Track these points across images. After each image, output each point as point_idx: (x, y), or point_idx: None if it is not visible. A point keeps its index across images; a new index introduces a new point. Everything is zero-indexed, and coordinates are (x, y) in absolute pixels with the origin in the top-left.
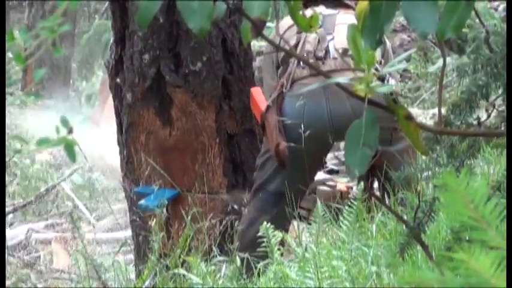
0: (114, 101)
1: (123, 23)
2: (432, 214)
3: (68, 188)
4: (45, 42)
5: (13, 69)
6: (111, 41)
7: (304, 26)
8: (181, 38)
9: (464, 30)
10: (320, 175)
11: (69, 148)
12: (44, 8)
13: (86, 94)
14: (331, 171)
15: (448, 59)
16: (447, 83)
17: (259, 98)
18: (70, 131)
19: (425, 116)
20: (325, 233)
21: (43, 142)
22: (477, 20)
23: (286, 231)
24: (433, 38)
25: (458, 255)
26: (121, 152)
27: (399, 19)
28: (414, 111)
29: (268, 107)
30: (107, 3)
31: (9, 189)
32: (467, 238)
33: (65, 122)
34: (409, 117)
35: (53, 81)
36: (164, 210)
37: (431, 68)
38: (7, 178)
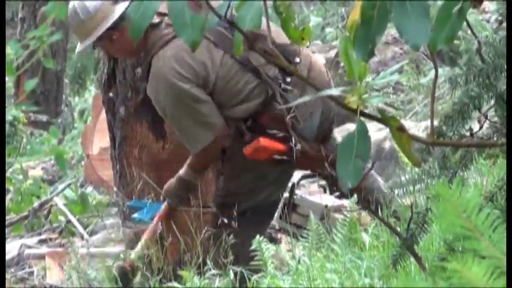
0: (107, 115)
1: None
2: (425, 225)
3: (61, 203)
4: (36, 53)
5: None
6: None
7: (296, 37)
8: None
9: (456, 42)
10: (331, 200)
11: (60, 158)
12: (36, 23)
13: (79, 109)
14: (341, 196)
15: (440, 71)
16: (439, 95)
17: (271, 144)
18: (60, 142)
19: (418, 128)
20: (318, 245)
21: (34, 152)
22: (469, 32)
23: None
24: (425, 50)
25: (452, 265)
26: (114, 166)
27: (391, 31)
28: (407, 123)
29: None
30: None
31: None
32: (460, 249)
33: (54, 133)
34: (402, 129)
35: (45, 96)
36: (159, 224)
37: (423, 80)
38: None
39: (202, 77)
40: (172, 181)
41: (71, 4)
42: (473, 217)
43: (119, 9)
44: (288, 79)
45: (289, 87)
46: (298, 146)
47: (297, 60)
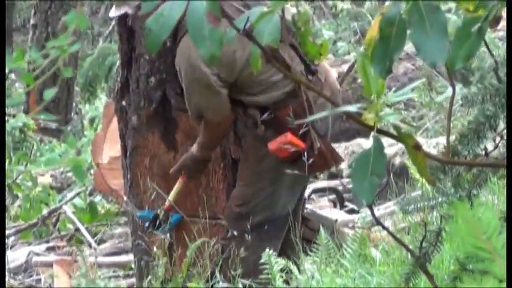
0: (119, 124)
1: (129, 45)
2: (437, 244)
3: (70, 211)
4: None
5: (15, 91)
6: (117, 63)
7: (314, 53)
8: None
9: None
10: (341, 215)
11: (78, 169)
12: (48, 30)
13: (89, 117)
14: (351, 211)
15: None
16: (453, 112)
17: (296, 140)
18: (78, 152)
19: (428, 145)
20: (328, 260)
21: (51, 162)
22: (482, 49)
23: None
24: (437, 67)
25: (465, 285)
26: (125, 176)
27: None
28: (419, 140)
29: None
30: (111, 26)
31: (11, 211)
32: (472, 268)
33: (72, 142)
34: (417, 147)
35: (56, 104)
36: (167, 234)
37: (439, 98)
38: (9, 199)
39: (227, 63)
40: (185, 155)
41: None
42: (494, 239)
43: None
44: (310, 78)
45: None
46: (317, 144)
47: (316, 63)
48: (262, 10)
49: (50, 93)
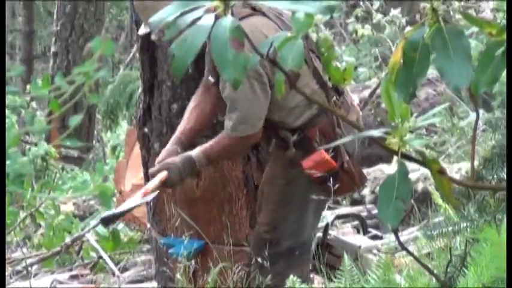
0: (141, 151)
1: (151, 72)
2: (463, 268)
3: (93, 238)
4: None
5: (37, 120)
6: (139, 90)
7: (338, 78)
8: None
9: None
10: (364, 241)
11: (105, 195)
12: (69, 58)
13: (111, 145)
14: (375, 237)
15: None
16: (477, 138)
17: (329, 158)
18: (105, 179)
19: (450, 170)
20: (352, 286)
21: (79, 189)
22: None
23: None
24: (459, 92)
25: None
26: (147, 203)
27: None
28: None
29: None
30: (131, 53)
31: (34, 240)
32: None
33: (100, 170)
34: (442, 172)
35: (77, 131)
36: (192, 261)
37: (462, 123)
38: (32, 228)
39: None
40: (177, 157)
41: None
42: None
43: None
44: (338, 97)
45: (338, 104)
46: (346, 162)
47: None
48: (286, 35)
49: (75, 120)
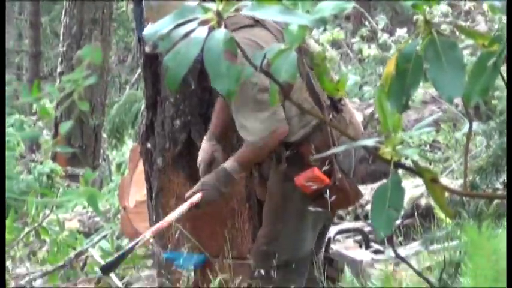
0: (144, 166)
1: (154, 89)
2: (457, 276)
3: (97, 254)
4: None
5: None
6: (143, 107)
7: (331, 89)
8: (212, 104)
9: (494, 102)
10: (366, 255)
11: (93, 200)
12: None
13: (116, 163)
14: (377, 252)
15: (476, 126)
16: (476, 153)
17: (322, 175)
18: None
19: (454, 185)
20: None
21: (68, 194)
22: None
23: None
24: (462, 108)
25: None
26: (150, 217)
27: (429, 90)
28: (443, 180)
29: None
30: (137, 73)
31: (39, 255)
32: None
33: (89, 175)
34: (435, 180)
35: (83, 150)
36: (192, 274)
37: (458, 134)
38: (36, 244)
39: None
40: (211, 174)
41: None
42: (501, 260)
43: None
44: (335, 115)
45: (334, 121)
46: (339, 179)
47: (343, 102)
48: (280, 47)
49: (65, 126)
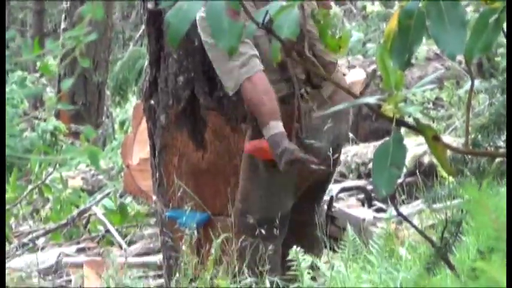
0: (147, 123)
1: (158, 45)
2: (459, 235)
3: (100, 212)
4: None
5: (47, 97)
6: (146, 63)
7: (333, 46)
8: None
9: (497, 59)
10: (369, 214)
11: (93, 156)
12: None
13: (120, 120)
14: (379, 210)
15: (478, 84)
16: (479, 111)
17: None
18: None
19: (457, 143)
20: (355, 257)
21: (69, 151)
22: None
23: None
24: (465, 65)
25: (479, 264)
26: (153, 175)
27: (433, 47)
28: (446, 138)
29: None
30: (141, 30)
31: (42, 213)
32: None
33: (89, 132)
34: (437, 138)
35: (87, 108)
36: (195, 232)
37: (460, 91)
38: (39, 202)
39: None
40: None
41: None
42: (502, 217)
43: None
44: (308, 89)
45: (306, 96)
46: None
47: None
48: (282, 4)
49: (67, 83)
